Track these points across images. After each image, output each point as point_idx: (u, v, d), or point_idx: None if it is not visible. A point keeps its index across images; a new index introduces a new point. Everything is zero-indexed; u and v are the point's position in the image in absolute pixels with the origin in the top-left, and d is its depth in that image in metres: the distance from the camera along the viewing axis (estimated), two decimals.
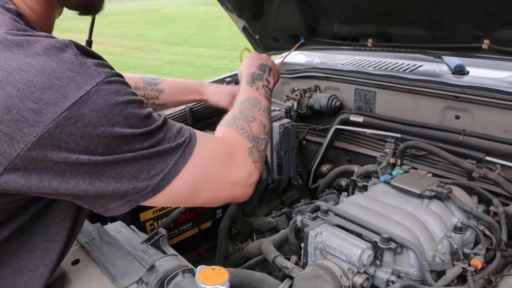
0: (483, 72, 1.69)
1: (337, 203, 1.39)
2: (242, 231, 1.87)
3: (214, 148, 0.83)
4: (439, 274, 1.09)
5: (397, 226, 1.14)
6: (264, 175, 1.78)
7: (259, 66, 1.20)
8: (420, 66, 1.83)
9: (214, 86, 1.49)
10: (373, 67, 1.89)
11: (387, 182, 1.35)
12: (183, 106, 1.79)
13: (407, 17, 1.42)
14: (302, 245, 1.18)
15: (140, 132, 0.69)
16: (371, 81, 1.79)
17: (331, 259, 1.09)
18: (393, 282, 1.03)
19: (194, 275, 0.80)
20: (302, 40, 1.74)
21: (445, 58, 1.73)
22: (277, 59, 1.80)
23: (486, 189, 1.42)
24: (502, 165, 1.43)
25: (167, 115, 1.71)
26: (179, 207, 1.63)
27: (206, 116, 1.86)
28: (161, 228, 1.07)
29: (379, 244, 1.05)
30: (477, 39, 1.32)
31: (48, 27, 0.80)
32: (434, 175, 1.49)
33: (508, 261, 1.24)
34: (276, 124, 1.71)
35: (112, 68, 0.71)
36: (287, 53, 1.68)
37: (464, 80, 1.64)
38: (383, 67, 1.88)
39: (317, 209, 1.23)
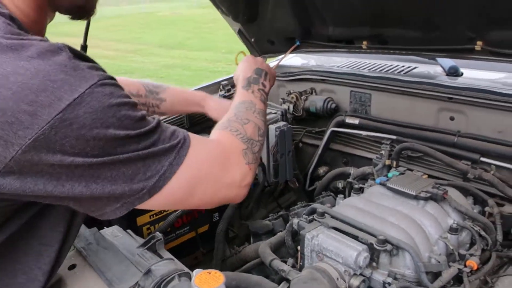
0: (477, 74, 1.70)
1: (333, 206, 1.39)
2: (239, 234, 1.87)
3: (208, 150, 0.83)
4: (435, 275, 1.10)
5: (393, 227, 1.14)
6: (260, 178, 1.78)
7: (255, 70, 1.21)
8: (415, 68, 1.84)
9: (216, 101, 1.50)
10: (368, 69, 1.90)
11: (383, 184, 1.36)
12: None
13: (401, 19, 1.43)
14: (299, 247, 1.19)
15: (135, 133, 0.69)
16: (367, 83, 1.80)
17: (328, 261, 1.10)
18: (389, 283, 1.04)
19: (190, 279, 0.81)
20: (298, 43, 1.75)
21: (439, 59, 1.74)
22: (272, 62, 1.80)
23: (481, 190, 1.43)
24: (497, 166, 1.44)
25: (164, 118, 1.71)
26: (176, 211, 1.63)
27: (202, 120, 1.86)
28: (158, 232, 1.08)
29: (375, 246, 1.06)
30: (470, 41, 1.32)
31: (40, 31, 0.80)
32: (430, 176, 1.49)
33: (503, 262, 1.25)
34: (272, 127, 1.72)
35: (105, 72, 0.71)
36: (283, 56, 1.69)
37: (458, 81, 1.65)
38: (378, 69, 1.88)
39: (313, 211, 1.23)
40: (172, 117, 1.79)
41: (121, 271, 0.96)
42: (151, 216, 1.64)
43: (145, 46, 12.10)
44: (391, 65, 1.90)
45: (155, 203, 0.75)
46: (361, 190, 1.46)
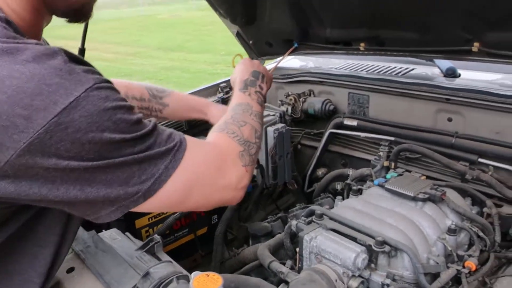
0: (475, 75, 1.71)
1: (332, 207, 1.39)
2: (238, 236, 1.87)
3: (205, 153, 0.83)
4: (434, 276, 1.10)
5: (391, 229, 1.14)
6: (259, 180, 1.78)
7: (252, 72, 1.21)
8: (413, 69, 1.84)
9: (218, 108, 1.49)
10: (366, 71, 1.91)
11: (381, 185, 1.36)
12: None
13: (398, 20, 1.44)
14: (297, 249, 1.19)
15: (130, 137, 0.69)
16: (365, 85, 1.81)
17: (326, 263, 1.10)
18: (388, 285, 1.04)
19: (188, 281, 0.81)
20: (296, 45, 1.75)
21: (437, 61, 1.75)
22: (270, 64, 1.81)
23: (480, 191, 1.43)
24: (494, 167, 1.44)
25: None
26: (174, 214, 1.63)
27: (201, 123, 1.86)
28: (156, 235, 1.08)
29: (373, 247, 1.06)
30: (467, 42, 1.33)
31: (36, 35, 0.80)
32: (428, 177, 1.50)
33: (502, 263, 1.25)
34: (270, 129, 1.72)
35: (101, 75, 0.71)
36: (281, 58, 1.69)
37: (456, 82, 1.66)
38: (376, 71, 1.89)
39: (311, 213, 1.23)
40: None
41: (120, 273, 0.96)
42: (150, 219, 1.64)
43: (144, 49, 12.11)
44: (389, 67, 1.91)
45: (150, 206, 0.75)
46: (359, 192, 1.46)
